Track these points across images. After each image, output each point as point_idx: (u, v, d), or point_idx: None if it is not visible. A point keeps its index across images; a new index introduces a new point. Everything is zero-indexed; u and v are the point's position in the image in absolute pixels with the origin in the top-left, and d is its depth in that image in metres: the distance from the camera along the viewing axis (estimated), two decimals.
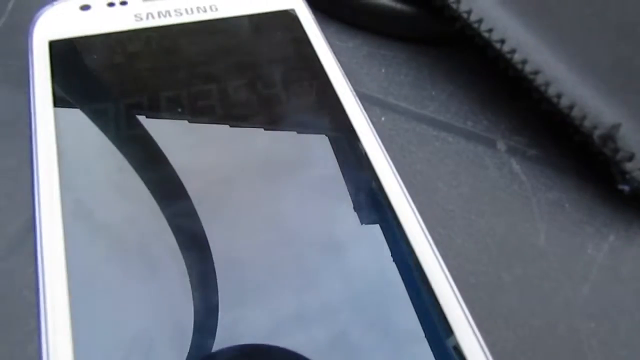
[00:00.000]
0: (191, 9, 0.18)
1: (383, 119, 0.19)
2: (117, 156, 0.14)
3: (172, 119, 0.15)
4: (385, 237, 0.13)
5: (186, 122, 0.15)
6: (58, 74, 0.16)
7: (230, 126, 0.16)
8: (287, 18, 0.18)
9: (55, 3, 0.17)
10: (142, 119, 0.15)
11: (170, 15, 0.18)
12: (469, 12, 0.18)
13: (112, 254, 0.13)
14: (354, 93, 0.16)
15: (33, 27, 0.17)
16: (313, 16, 0.18)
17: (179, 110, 0.16)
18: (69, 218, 0.13)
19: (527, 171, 0.19)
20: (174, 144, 0.15)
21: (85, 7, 0.17)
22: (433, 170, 0.18)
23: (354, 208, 0.14)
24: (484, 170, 0.18)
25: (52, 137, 0.14)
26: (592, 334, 0.15)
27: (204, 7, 0.18)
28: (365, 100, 0.17)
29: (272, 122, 0.16)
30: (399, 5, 0.20)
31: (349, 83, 0.17)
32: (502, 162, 0.19)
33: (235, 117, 0.16)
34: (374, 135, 0.15)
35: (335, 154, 0.15)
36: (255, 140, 0.15)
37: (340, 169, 0.15)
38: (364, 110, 0.16)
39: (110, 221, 0.13)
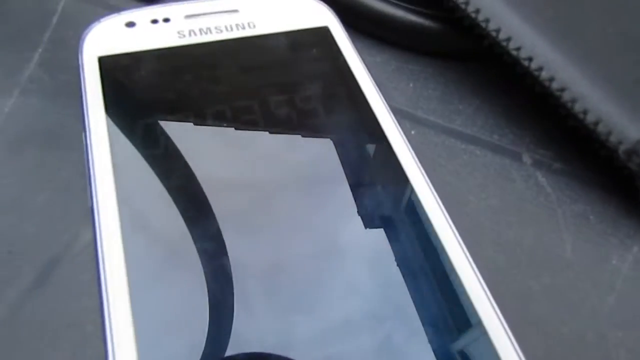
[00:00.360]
0: (231, 26, 0.19)
1: (413, 132, 0.20)
2: (166, 168, 0.15)
3: (216, 132, 0.16)
4: (422, 248, 0.14)
5: (229, 134, 0.16)
6: (108, 88, 0.16)
7: (271, 139, 0.16)
8: (322, 34, 0.19)
9: (102, 20, 0.18)
10: (188, 132, 0.16)
11: (211, 32, 0.18)
12: (497, 31, 0.19)
13: (167, 259, 0.13)
14: (388, 108, 0.17)
15: (82, 44, 0.17)
16: (346, 33, 0.19)
17: (223, 123, 0.16)
18: (126, 225, 0.13)
19: (552, 184, 0.19)
20: (218, 157, 0.16)
21: (130, 24, 0.18)
22: (463, 183, 0.19)
23: (392, 220, 0.15)
24: (511, 183, 0.19)
25: (107, 150, 0.15)
26: (620, 343, 0.15)
27: (243, 25, 0.19)
28: (396, 113, 0.17)
29: (312, 135, 0.17)
30: (427, 22, 0.21)
31: (382, 98, 0.17)
32: (528, 174, 0.19)
33: (274, 130, 0.17)
34: (409, 150, 0.16)
35: (371, 167, 0.16)
36: (296, 152, 0.16)
37: (377, 181, 0.16)
38: (398, 125, 0.17)
39: (162, 227, 0.14)
